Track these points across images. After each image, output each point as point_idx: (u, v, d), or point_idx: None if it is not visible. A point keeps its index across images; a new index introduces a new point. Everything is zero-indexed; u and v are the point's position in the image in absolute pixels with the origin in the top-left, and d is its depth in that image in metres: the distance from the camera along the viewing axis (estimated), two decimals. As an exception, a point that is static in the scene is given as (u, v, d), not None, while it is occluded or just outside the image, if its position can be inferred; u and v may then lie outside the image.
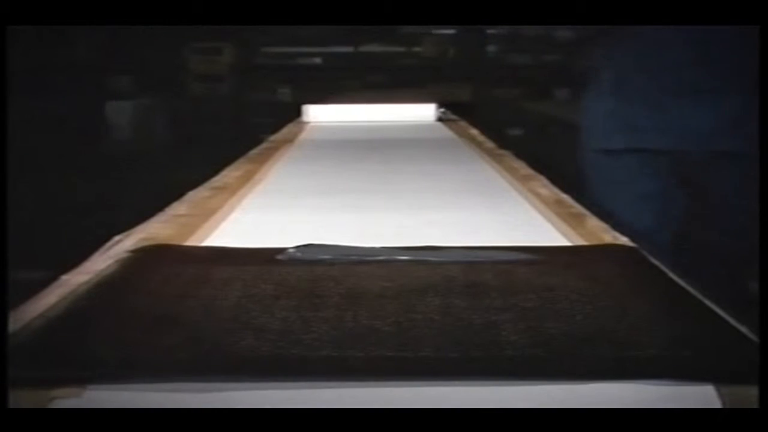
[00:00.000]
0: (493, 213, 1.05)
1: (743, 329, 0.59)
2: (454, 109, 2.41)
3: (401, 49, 5.50)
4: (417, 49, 5.39)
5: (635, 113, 1.34)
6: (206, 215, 1.00)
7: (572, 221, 0.96)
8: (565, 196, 1.09)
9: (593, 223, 0.95)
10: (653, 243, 0.91)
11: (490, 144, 1.77)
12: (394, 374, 0.53)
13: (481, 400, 0.50)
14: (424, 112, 2.35)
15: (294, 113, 2.35)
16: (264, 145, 1.76)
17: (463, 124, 2.23)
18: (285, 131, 2.09)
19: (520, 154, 1.50)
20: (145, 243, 0.83)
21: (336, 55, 5.66)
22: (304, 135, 2.04)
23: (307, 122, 2.27)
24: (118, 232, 0.88)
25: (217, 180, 1.25)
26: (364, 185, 1.07)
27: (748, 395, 0.49)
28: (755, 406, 0.47)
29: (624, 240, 0.86)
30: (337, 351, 0.56)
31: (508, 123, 3.61)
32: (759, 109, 0.61)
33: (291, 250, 0.81)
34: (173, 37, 4.59)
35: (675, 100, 1.29)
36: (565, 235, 0.92)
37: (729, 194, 1.31)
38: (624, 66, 1.34)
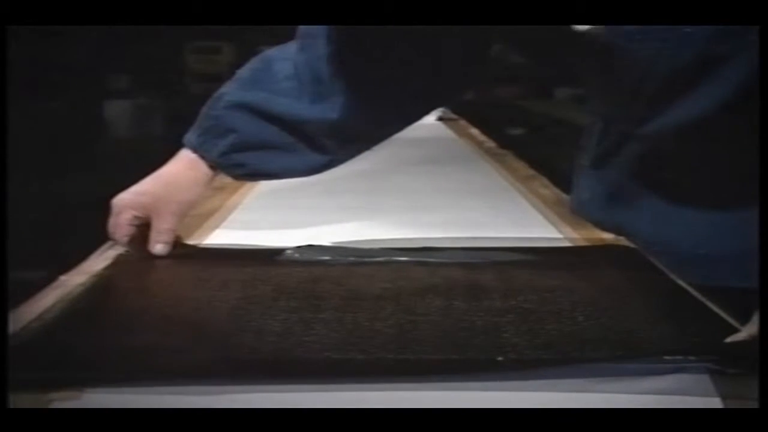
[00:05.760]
0: (493, 213, 1.04)
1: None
2: (454, 108, 2.41)
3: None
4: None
5: None
6: (205, 215, 1.00)
7: (573, 222, 0.96)
8: (566, 197, 1.08)
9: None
10: None
11: (490, 143, 1.77)
12: (394, 376, 0.52)
13: (482, 401, 0.50)
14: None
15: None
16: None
17: (463, 123, 2.22)
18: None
19: (521, 154, 1.50)
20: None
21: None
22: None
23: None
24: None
25: (216, 180, 1.24)
26: (363, 185, 1.07)
27: (749, 395, 0.49)
28: (755, 405, 0.47)
29: (624, 240, 0.86)
30: (337, 353, 0.55)
31: (509, 122, 3.61)
32: (759, 110, 0.61)
33: (290, 251, 0.81)
34: (172, 36, 4.59)
35: None
36: (566, 235, 0.91)
37: None
38: None
